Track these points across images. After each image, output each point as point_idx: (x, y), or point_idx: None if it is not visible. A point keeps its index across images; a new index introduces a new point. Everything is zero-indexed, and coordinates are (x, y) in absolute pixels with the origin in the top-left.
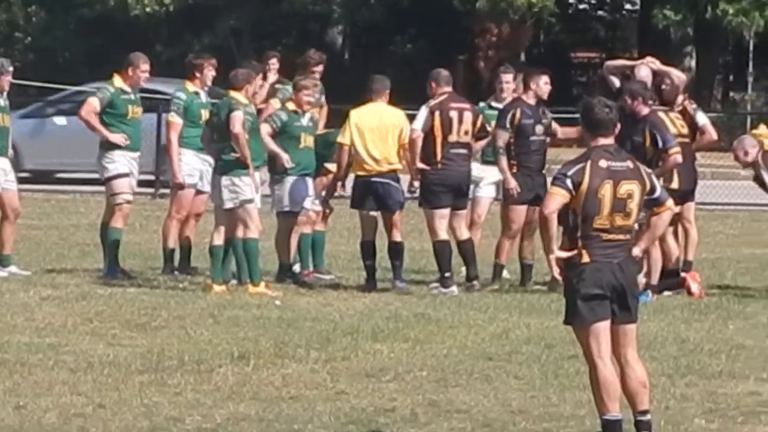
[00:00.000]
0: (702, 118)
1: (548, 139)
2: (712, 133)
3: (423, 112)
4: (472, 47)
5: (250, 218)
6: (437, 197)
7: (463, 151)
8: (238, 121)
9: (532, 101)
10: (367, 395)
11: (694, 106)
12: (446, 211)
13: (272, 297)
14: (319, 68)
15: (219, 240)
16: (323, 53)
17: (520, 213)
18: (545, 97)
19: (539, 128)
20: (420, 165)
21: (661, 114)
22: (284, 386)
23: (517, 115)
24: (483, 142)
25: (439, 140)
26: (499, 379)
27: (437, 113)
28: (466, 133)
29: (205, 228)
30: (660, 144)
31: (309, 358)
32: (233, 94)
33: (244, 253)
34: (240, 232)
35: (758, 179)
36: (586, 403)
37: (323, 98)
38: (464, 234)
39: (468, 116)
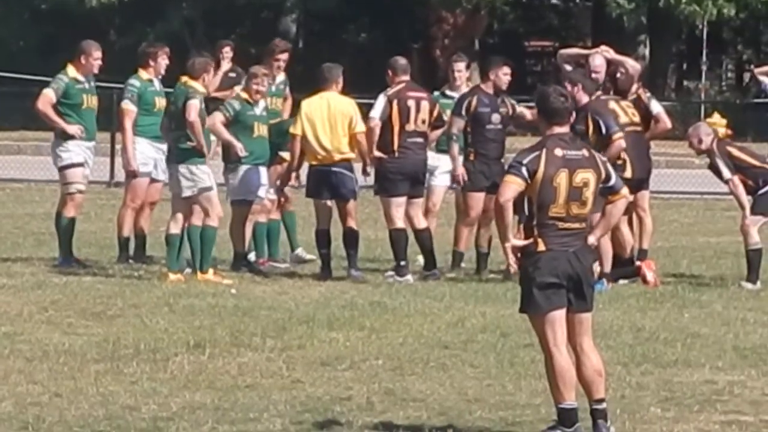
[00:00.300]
0: (656, 107)
1: (506, 128)
2: (667, 122)
3: (381, 101)
4: (426, 36)
5: (211, 206)
6: (394, 185)
7: (420, 139)
8: (194, 109)
9: (490, 90)
10: (322, 384)
11: (648, 94)
12: (403, 200)
13: (226, 285)
14: (284, 56)
15: (176, 228)
16: (271, 45)
17: (477, 200)
18: (504, 87)
19: (496, 117)
20: (377, 153)
21: (613, 103)
22: (240, 375)
23: (474, 103)
24: (439, 131)
25: (396, 129)
26: (454, 367)
27: (395, 102)
28: (423, 122)
29: (160, 216)
30: (603, 130)
31: (265, 346)
32: (191, 82)
33: (201, 240)
34: (198, 220)
35: (713, 167)
36: (541, 392)
37: (287, 89)
38: (421, 223)
39: (425, 105)
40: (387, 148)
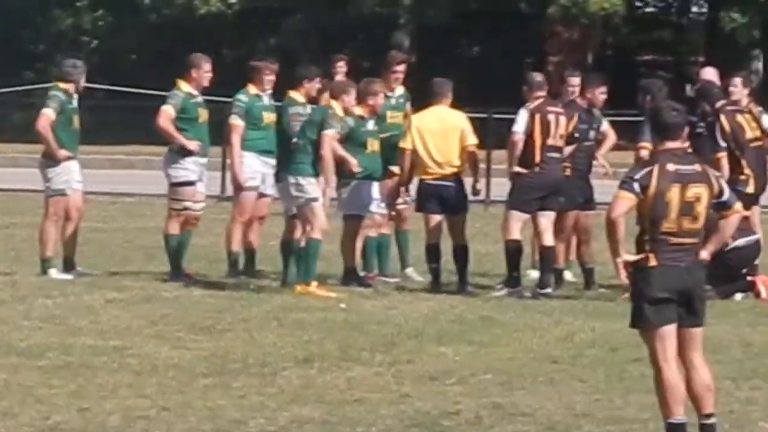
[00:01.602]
0: (767, 121)
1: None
2: None
3: (523, 115)
4: (539, 51)
5: (314, 218)
6: (527, 201)
7: (557, 154)
8: (327, 141)
9: (585, 106)
10: (431, 398)
11: (760, 109)
12: (526, 216)
13: (333, 299)
14: (401, 68)
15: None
16: (388, 56)
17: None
18: (599, 106)
19: (592, 134)
20: (517, 168)
21: (739, 116)
22: (348, 389)
23: (575, 119)
24: (571, 148)
25: (538, 143)
26: (563, 382)
27: (537, 116)
28: (561, 136)
29: (270, 231)
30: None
31: (373, 361)
32: (333, 103)
33: (305, 252)
34: (299, 233)
35: None
36: (650, 407)
37: (408, 105)
38: (549, 240)
39: (563, 120)
40: (528, 162)
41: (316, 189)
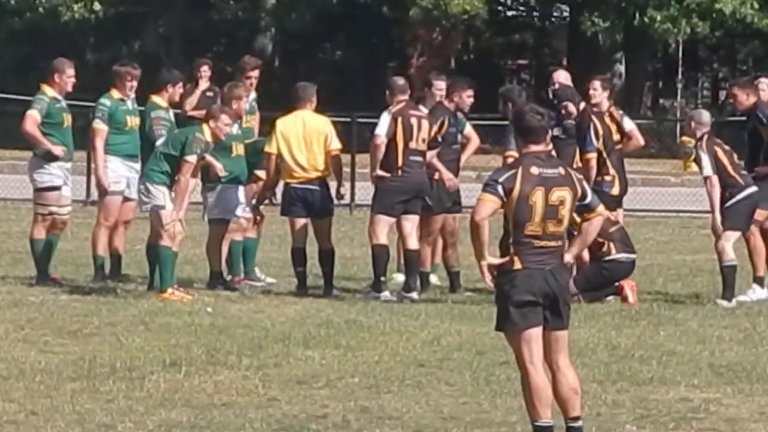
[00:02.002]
0: (629, 124)
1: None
2: (639, 139)
3: (386, 118)
4: (402, 55)
5: (161, 225)
6: (391, 205)
7: (420, 158)
8: (186, 168)
9: (451, 109)
10: (298, 402)
11: (621, 112)
12: (392, 220)
13: (188, 301)
14: (255, 73)
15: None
16: (241, 62)
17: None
18: (466, 109)
19: (459, 137)
20: (380, 172)
21: (606, 118)
22: (216, 393)
23: (446, 123)
24: (434, 152)
25: (400, 147)
26: (430, 385)
27: (399, 119)
28: (423, 140)
29: (136, 235)
30: None
31: (241, 365)
32: (204, 126)
33: (155, 259)
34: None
35: (697, 160)
36: (517, 410)
37: (256, 106)
38: (413, 244)
39: (425, 124)
40: (391, 166)
41: (166, 197)
